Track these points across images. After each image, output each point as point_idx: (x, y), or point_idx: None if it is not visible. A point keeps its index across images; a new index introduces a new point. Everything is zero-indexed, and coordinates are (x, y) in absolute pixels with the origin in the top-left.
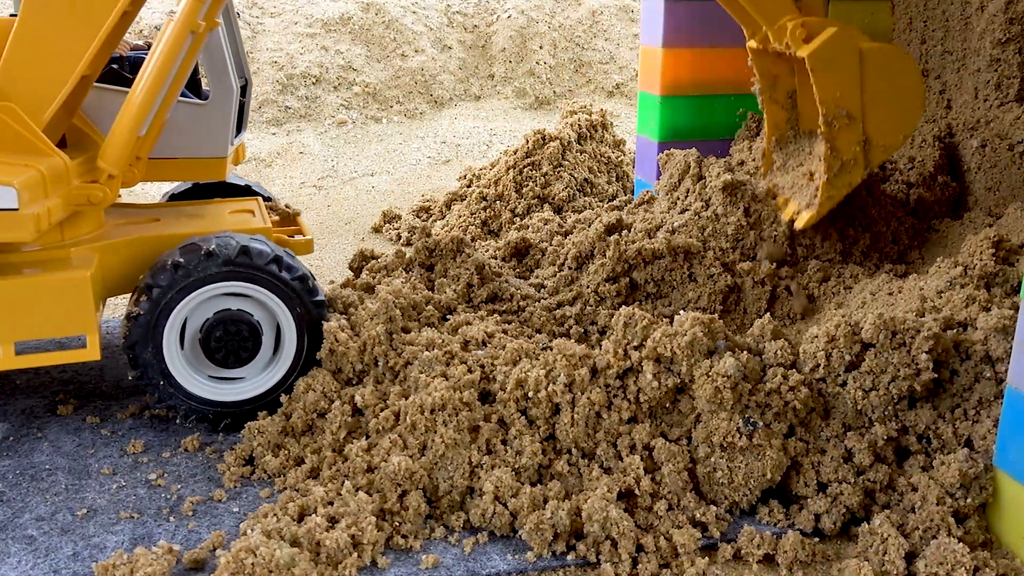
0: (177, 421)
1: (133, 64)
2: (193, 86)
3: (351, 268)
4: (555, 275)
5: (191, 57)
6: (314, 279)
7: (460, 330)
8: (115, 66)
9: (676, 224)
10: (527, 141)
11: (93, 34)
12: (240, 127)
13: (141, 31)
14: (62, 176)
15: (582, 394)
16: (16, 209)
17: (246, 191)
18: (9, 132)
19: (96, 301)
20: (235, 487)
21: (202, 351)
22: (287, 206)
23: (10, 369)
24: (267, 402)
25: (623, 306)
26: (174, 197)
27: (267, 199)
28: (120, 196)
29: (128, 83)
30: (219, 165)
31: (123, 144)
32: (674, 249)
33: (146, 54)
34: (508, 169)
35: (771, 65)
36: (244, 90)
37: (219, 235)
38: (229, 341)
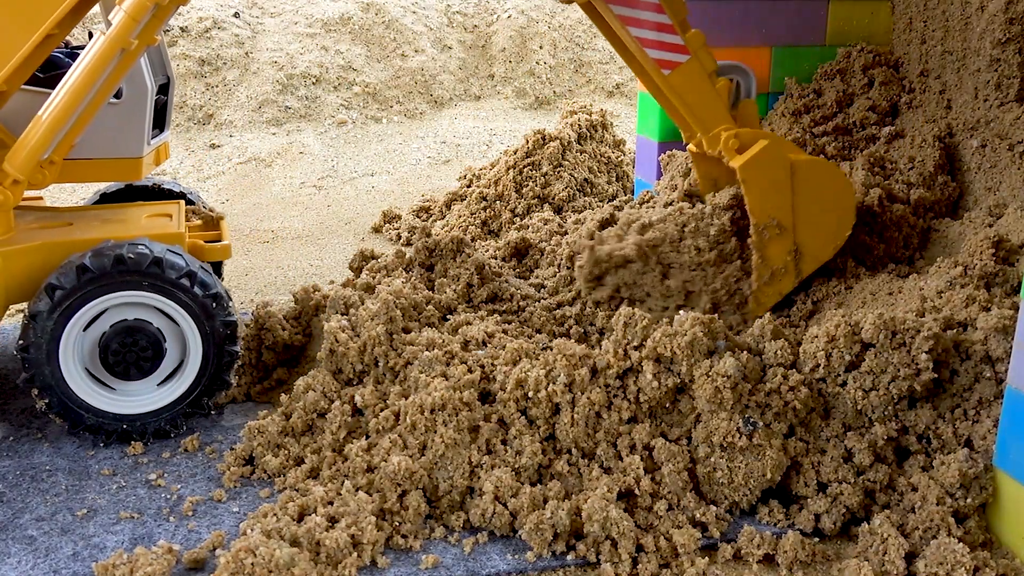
0: (67, 430)
1: (47, 64)
2: None
3: (351, 268)
4: (555, 275)
5: (121, 71)
6: (229, 299)
7: (460, 330)
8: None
9: (654, 218)
10: (527, 141)
11: (18, 46)
12: (163, 126)
13: None
14: None
15: (582, 394)
16: None
17: (178, 196)
18: None
19: None
20: (235, 487)
21: (100, 360)
22: (211, 210)
23: None
24: (165, 416)
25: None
26: (106, 196)
27: (191, 203)
28: (42, 199)
29: (41, 83)
30: (134, 165)
31: (33, 151)
32: (644, 252)
33: (63, 54)
34: (508, 169)
35: (711, 167)
36: (165, 88)
37: (134, 242)
38: (128, 352)
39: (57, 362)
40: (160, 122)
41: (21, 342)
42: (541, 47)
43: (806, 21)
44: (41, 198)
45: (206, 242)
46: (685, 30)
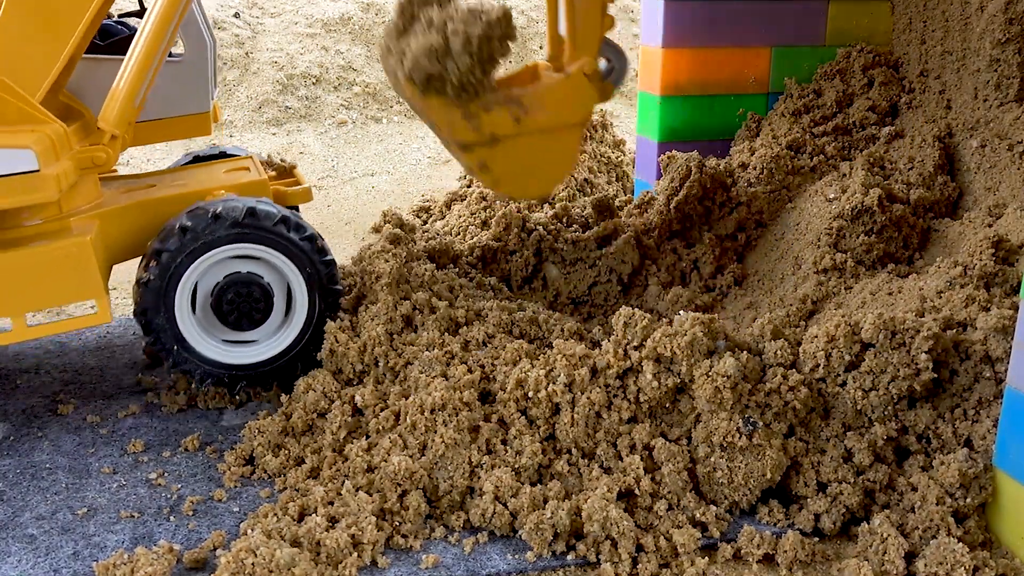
0: (192, 387)
1: (103, 32)
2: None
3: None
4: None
5: (181, 17)
6: (323, 239)
7: (460, 331)
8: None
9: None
10: None
11: (84, 9)
12: (214, 84)
13: None
14: (64, 141)
15: (582, 394)
16: (37, 171)
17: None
18: (7, 106)
19: (101, 267)
20: (235, 487)
21: (214, 315)
22: (282, 160)
23: (23, 340)
24: (281, 364)
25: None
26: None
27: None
28: (116, 171)
29: (101, 51)
30: (204, 120)
31: (124, 105)
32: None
33: (117, 23)
34: None
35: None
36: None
37: (225, 198)
38: (241, 304)
39: (175, 322)
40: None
41: (137, 308)
42: (541, 47)
43: (806, 21)
44: (115, 169)
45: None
46: None
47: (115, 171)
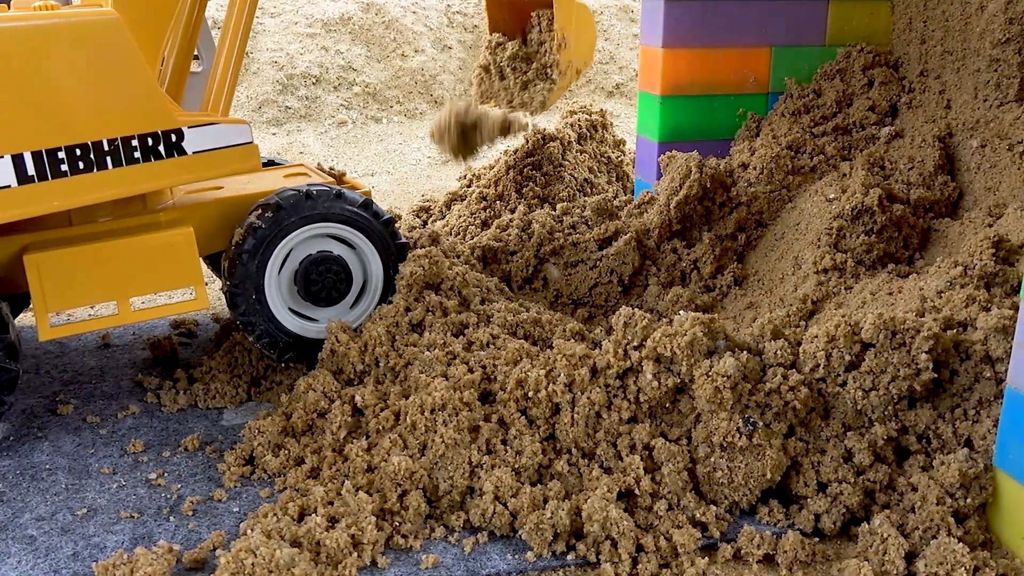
0: (249, 339)
1: None
2: None
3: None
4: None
5: (197, 23)
6: (398, 221)
7: (466, 332)
8: None
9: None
10: (527, 141)
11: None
12: None
13: None
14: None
15: (582, 394)
16: (251, 142)
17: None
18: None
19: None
20: (235, 487)
21: (297, 286)
22: (331, 169)
23: (129, 323)
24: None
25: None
26: None
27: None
28: None
29: None
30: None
31: (228, 92)
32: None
33: None
34: (508, 169)
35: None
36: None
37: (311, 183)
38: (325, 279)
39: (264, 295)
40: None
41: (229, 282)
42: None
43: (806, 21)
44: None
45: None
46: None
47: None
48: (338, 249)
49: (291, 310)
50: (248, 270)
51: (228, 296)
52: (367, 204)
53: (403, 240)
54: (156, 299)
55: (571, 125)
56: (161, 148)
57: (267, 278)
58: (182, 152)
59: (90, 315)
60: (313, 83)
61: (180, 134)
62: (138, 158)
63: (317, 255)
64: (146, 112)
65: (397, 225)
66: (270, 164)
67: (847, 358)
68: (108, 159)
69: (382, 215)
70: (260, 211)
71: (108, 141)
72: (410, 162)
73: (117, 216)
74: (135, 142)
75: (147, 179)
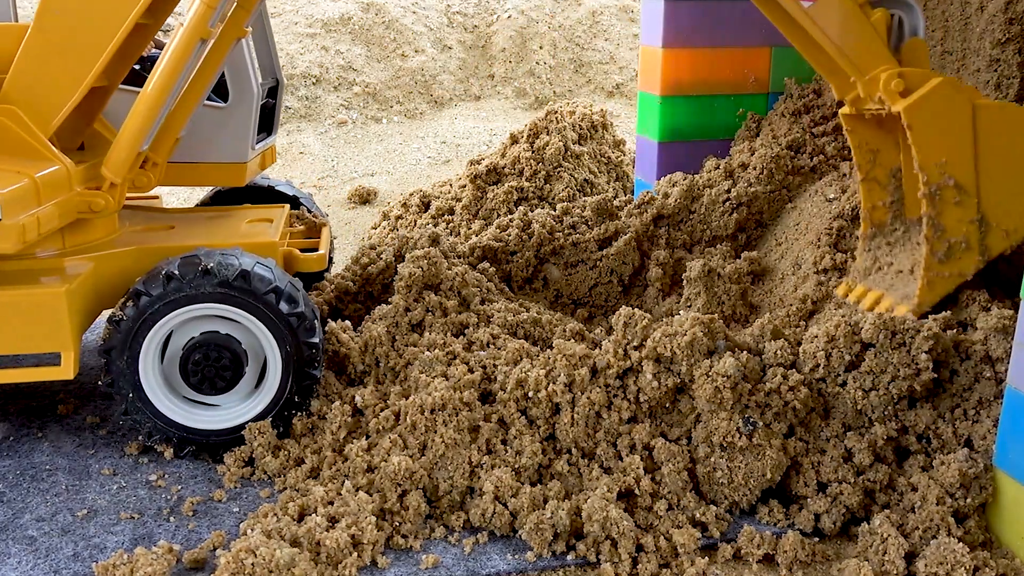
0: (139, 439)
1: (154, 62)
2: (221, 88)
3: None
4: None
5: (214, 63)
6: (317, 317)
7: (466, 331)
8: (136, 66)
9: None
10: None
11: (104, 45)
12: (270, 129)
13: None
14: (61, 183)
15: (582, 394)
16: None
17: (290, 199)
18: (10, 135)
19: (77, 316)
20: (235, 487)
21: (179, 371)
22: (315, 216)
23: None
24: (236, 437)
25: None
26: (220, 194)
27: (297, 207)
28: (159, 199)
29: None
30: (238, 171)
31: (126, 152)
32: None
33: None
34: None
35: (870, 136)
36: (275, 91)
37: (225, 252)
38: (207, 366)
39: (136, 369)
40: (268, 125)
41: (103, 345)
42: (541, 47)
43: None
44: (158, 197)
45: (302, 251)
46: None
47: (158, 198)
48: (227, 328)
49: (187, 399)
50: (119, 367)
51: (102, 362)
52: (276, 290)
53: (316, 340)
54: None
55: (571, 125)
56: None
57: (143, 373)
58: None
59: None
60: (313, 83)
61: None
62: None
63: (200, 338)
64: None
65: (310, 323)
66: (270, 191)
67: (847, 358)
68: None
69: (296, 306)
70: (123, 301)
71: None
72: (410, 162)
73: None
74: None
75: None
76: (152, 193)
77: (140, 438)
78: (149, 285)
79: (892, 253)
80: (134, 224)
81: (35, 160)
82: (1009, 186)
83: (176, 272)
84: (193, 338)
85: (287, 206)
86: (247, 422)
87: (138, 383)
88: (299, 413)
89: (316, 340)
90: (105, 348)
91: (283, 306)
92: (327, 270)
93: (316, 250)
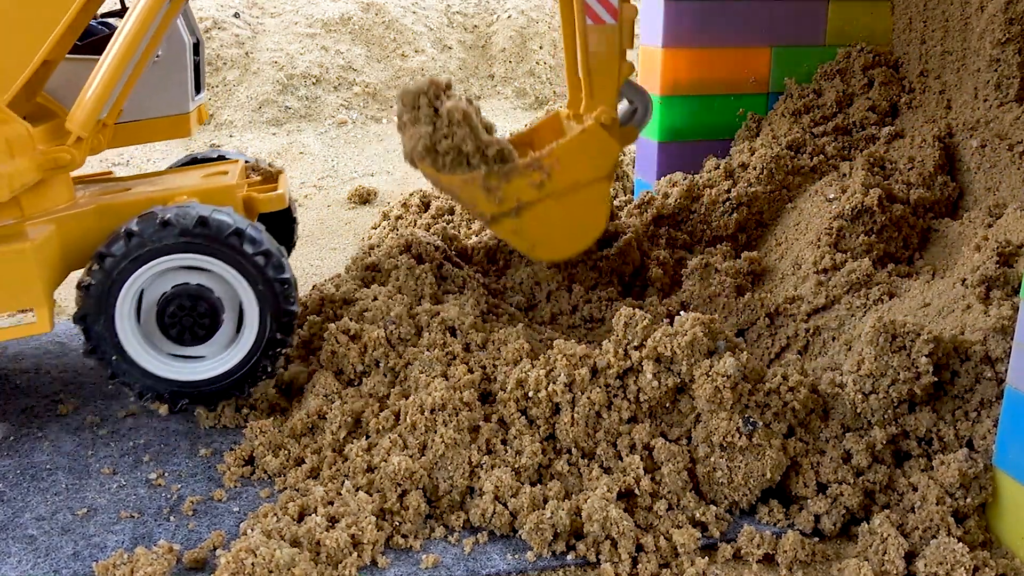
0: (131, 400)
1: (84, 32)
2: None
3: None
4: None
5: (165, 25)
6: (283, 255)
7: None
8: (79, 42)
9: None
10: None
11: (59, 19)
12: (199, 87)
13: None
14: (25, 142)
15: (582, 394)
16: None
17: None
18: None
19: (48, 273)
20: (235, 487)
21: (157, 327)
22: (270, 165)
23: None
24: (227, 384)
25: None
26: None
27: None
28: (111, 173)
29: (79, 51)
30: (183, 121)
31: (92, 108)
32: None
33: (98, 22)
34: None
35: (544, 136)
36: (196, 48)
37: (180, 204)
38: (184, 317)
39: (114, 330)
40: (196, 83)
41: (78, 312)
42: (541, 47)
43: (806, 21)
44: (110, 172)
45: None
46: None
47: (110, 173)
48: (198, 279)
49: (173, 355)
50: (98, 331)
51: (95, 360)
52: (238, 232)
53: (286, 275)
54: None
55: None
56: None
57: (122, 333)
58: None
59: None
60: (313, 83)
61: None
62: None
63: (172, 291)
64: None
65: (277, 259)
66: (220, 159)
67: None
68: None
69: (260, 245)
70: (89, 267)
71: None
72: None
73: None
74: None
75: None
76: (104, 169)
77: (132, 400)
78: (111, 246)
79: None
80: (90, 193)
81: None
82: (562, 222)
83: (136, 228)
84: (165, 293)
85: (241, 160)
86: (235, 367)
87: (119, 344)
88: (284, 350)
89: (287, 275)
90: (80, 315)
91: (247, 247)
92: (295, 222)
93: (275, 191)
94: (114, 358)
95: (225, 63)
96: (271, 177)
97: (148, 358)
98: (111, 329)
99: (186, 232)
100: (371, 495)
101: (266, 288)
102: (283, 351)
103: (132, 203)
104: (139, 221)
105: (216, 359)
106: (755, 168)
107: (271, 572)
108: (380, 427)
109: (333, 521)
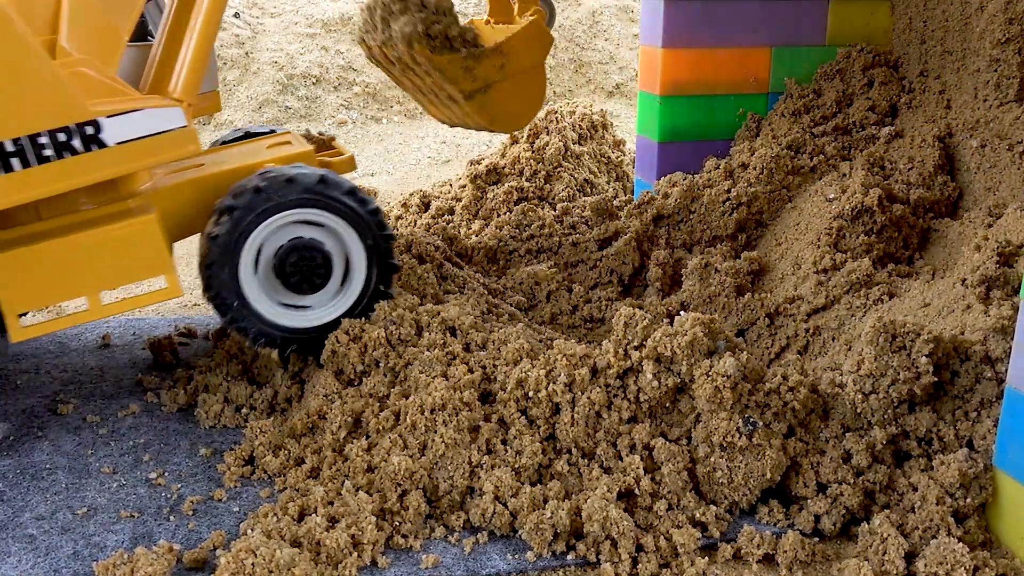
0: (247, 345)
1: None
2: (141, 33)
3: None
4: None
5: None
6: (384, 214)
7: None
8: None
9: None
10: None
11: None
12: None
13: None
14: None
15: (582, 394)
16: (185, 126)
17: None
18: (96, 84)
19: (167, 241)
20: (235, 487)
21: (275, 276)
22: (320, 134)
23: (100, 319)
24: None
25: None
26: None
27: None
28: None
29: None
30: (216, 97)
31: (196, 73)
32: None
33: None
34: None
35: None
36: None
37: (295, 165)
38: (303, 267)
39: (238, 278)
40: None
41: (205, 261)
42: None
43: (806, 21)
44: None
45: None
46: None
47: None
48: (311, 233)
49: (283, 304)
50: (221, 279)
51: (213, 307)
52: (352, 191)
53: (391, 232)
54: (134, 289)
55: (571, 125)
56: (76, 143)
57: (243, 281)
58: (102, 144)
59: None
60: (313, 83)
61: (96, 125)
62: (49, 156)
63: (289, 244)
64: (50, 106)
65: (382, 217)
66: (246, 136)
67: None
68: (14, 160)
69: (370, 204)
70: (216, 216)
71: (11, 142)
72: (410, 162)
73: (96, 204)
74: (42, 139)
75: (66, 177)
76: None
77: (248, 344)
78: (240, 199)
79: None
80: (162, 172)
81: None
82: (511, 97)
83: (262, 184)
84: (282, 245)
85: (289, 131)
86: (342, 315)
87: (241, 292)
88: (383, 301)
89: (390, 232)
90: (207, 263)
91: (360, 204)
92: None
93: (341, 156)
94: (235, 304)
95: (225, 63)
96: (325, 144)
97: (265, 305)
98: (235, 277)
99: (308, 189)
100: (371, 495)
101: (375, 242)
102: (379, 303)
103: (223, 174)
104: (264, 177)
105: (323, 308)
106: (755, 168)
107: (271, 572)
108: (380, 427)
109: (333, 521)
